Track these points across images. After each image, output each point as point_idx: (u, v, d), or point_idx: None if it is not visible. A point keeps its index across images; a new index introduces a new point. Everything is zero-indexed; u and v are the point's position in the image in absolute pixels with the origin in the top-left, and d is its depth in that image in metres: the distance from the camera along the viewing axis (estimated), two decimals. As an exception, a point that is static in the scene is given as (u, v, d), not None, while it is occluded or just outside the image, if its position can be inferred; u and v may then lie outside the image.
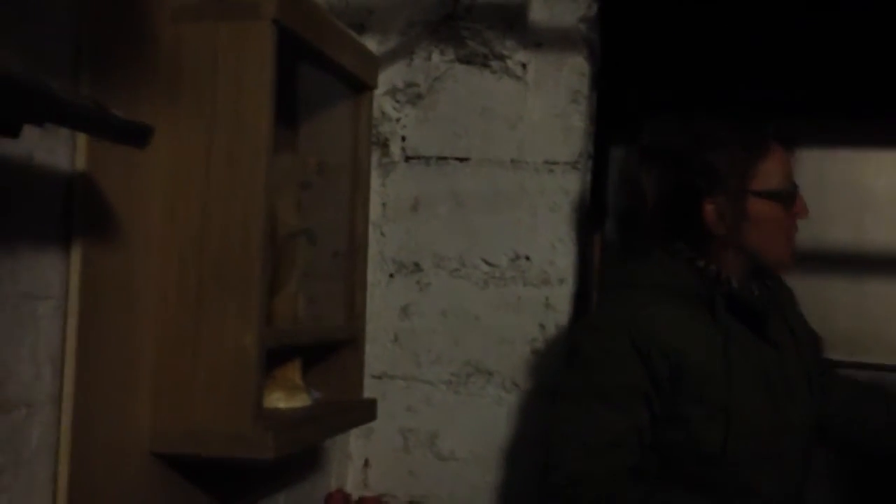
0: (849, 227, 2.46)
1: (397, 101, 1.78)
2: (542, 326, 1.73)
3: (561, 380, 1.48)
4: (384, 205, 1.78)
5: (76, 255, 0.98)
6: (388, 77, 1.77)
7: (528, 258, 1.73)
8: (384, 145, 1.78)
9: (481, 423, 1.74)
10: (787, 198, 1.46)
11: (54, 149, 0.95)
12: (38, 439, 0.95)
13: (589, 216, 1.89)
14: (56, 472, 0.98)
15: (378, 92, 1.74)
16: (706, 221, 1.45)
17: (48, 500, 0.97)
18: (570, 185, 1.72)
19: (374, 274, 1.76)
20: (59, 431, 0.97)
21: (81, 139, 0.97)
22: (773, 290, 1.56)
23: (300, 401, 1.32)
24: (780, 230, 1.47)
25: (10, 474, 0.92)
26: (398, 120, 1.78)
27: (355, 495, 1.74)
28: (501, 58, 1.74)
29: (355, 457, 1.79)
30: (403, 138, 1.77)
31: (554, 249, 1.73)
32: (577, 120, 1.72)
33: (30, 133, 0.85)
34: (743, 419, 1.40)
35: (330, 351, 1.45)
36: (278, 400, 1.29)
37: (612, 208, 2.35)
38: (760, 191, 1.44)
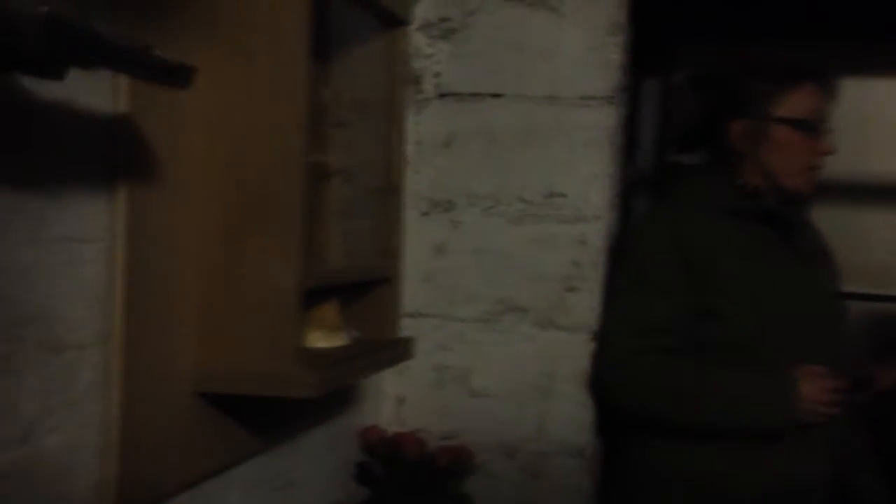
0: (887, 160, 2.43)
1: (430, 37, 1.74)
2: (576, 264, 1.72)
3: (609, 278, 1.70)
4: (417, 142, 1.76)
5: (120, 198, 0.97)
6: (421, 11, 1.73)
7: (562, 195, 1.71)
8: (417, 82, 1.75)
9: (514, 361, 1.75)
10: (809, 129, 1.62)
11: (96, 91, 0.93)
12: (88, 380, 0.97)
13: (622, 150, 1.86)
14: (106, 411, 0.99)
15: (410, 27, 1.71)
16: (731, 138, 1.65)
17: (98, 438, 0.99)
18: (606, 120, 1.69)
19: (407, 212, 1.75)
20: (108, 372, 0.99)
21: (122, 80, 0.96)
22: (808, 224, 1.68)
23: (339, 340, 1.33)
24: (798, 158, 1.64)
25: (62, 413, 0.93)
26: (431, 56, 1.74)
27: (390, 431, 1.77)
28: (537, -11, 1.70)
29: (389, 394, 1.81)
30: (436, 75, 1.74)
31: (589, 186, 1.71)
32: (615, 53, 1.68)
33: (72, 75, 0.84)
34: (773, 313, 1.59)
35: (366, 290, 1.45)
36: (317, 339, 1.30)
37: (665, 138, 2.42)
38: (783, 117, 1.62)
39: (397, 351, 1.46)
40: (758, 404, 1.55)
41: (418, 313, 1.78)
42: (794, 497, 1.61)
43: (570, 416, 1.73)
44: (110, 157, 0.96)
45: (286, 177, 1.10)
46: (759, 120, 1.63)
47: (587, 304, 1.71)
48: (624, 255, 1.69)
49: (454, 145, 1.75)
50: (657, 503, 1.66)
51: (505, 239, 1.74)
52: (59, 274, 0.91)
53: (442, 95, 1.74)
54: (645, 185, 2.67)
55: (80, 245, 0.94)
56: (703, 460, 1.60)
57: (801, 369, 1.55)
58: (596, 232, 1.71)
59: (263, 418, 1.32)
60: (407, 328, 1.73)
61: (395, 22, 1.42)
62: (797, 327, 1.61)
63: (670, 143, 1.88)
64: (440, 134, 1.75)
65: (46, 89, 0.85)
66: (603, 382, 1.66)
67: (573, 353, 1.72)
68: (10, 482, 0.87)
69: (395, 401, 1.81)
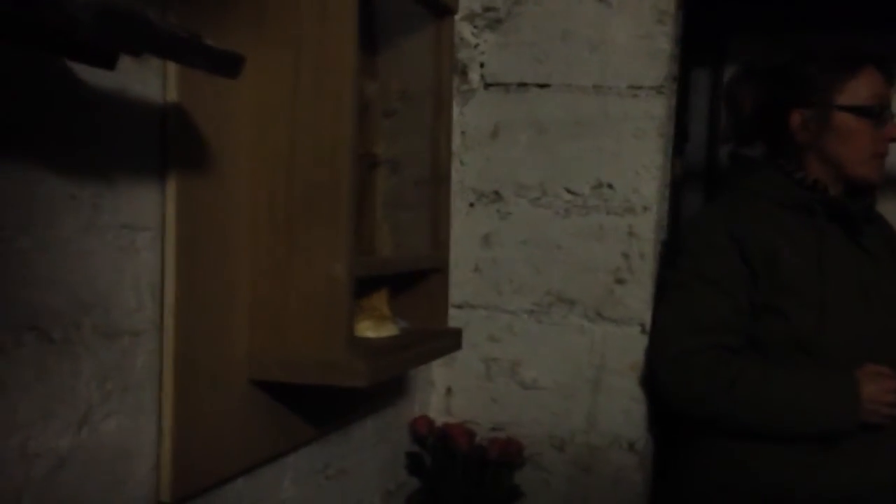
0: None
1: (476, 27, 1.74)
2: (625, 256, 1.70)
3: (667, 274, 1.66)
4: (463, 133, 1.76)
5: (171, 186, 0.99)
6: (467, 1, 1.73)
7: (610, 186, 1.70)
8: (463, 72, 1.75)
9: (563, 352, 1.74)
10: (873, 115, 1.56)
11: (147, 80, 0.95)
12: (142, 365, 0.98)
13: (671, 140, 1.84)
14: (160, 397, 1.01)
15: (456, 17, 1.71)
16: (791, 128, 1.60)
17: (153, 423, 1.01)
18: (655, 110, 1.67)
19: (454, 203, 1.75)
20: (162, 358, 1.00)
21: (171, 69, 0.98)
22: (874, 217, 1.62)
23: (388, 330, 1.33)
24: (863, 145, 1.58)
25: (117, 399, 0.95)
26: (477, 46, 1.74)
27: (439, 421, 1.77)
28: (583, -23, 1.68)
29: (438, 384, 1.81)
30: (482, 65, 1.74)
31: (638, 177, 1.69)
32: (664, 42, 1.66)
33: (123, 64, 0.86)
34: (837, 311, 1.52)
35: (415, 280, 1.45)
36: (367, 329, 1.30)
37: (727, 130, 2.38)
38: (845, 105, 1.57)
39: (446, 342, 1.46)
40: (817, 405, 1.51)
41: (467, 304, 1.78)
42: (855, 502, 1.56)
43: (620, 409, 1.71)
44: (161, 145, 0.98)
45: (335, 166, 1.11)
46: (820, 109, 1.58)
47: (636, 296, 1.69)
48: (680, 250, 1.65)
49: (501, 136, 1.74)
50: None
51: (553, 230, 1.72)
52: (113, 261, 0.93)
53: (488, 86, 1.74)
54: (695, 177, 2.63)
55: (134, 232, 0.95)
56: (759, 463, 1.56)
57: (864, 369, 1.50)
58: (645, 224, 1.69)
59: (315, 407, 1.33)
60: (455, 319, 1.73)
61: (441, 11, 1.42)
62: (861, 325, 1.56)
63: (727, 137, 1.82)
64: (487, 125, 1.75)
65: (98, 77, 0.87)
66: (658, 381, 1.63)
67: (623, 345, 1.71)
68: (68, 466, 0.89)
69: (444, 392, 1.81)
